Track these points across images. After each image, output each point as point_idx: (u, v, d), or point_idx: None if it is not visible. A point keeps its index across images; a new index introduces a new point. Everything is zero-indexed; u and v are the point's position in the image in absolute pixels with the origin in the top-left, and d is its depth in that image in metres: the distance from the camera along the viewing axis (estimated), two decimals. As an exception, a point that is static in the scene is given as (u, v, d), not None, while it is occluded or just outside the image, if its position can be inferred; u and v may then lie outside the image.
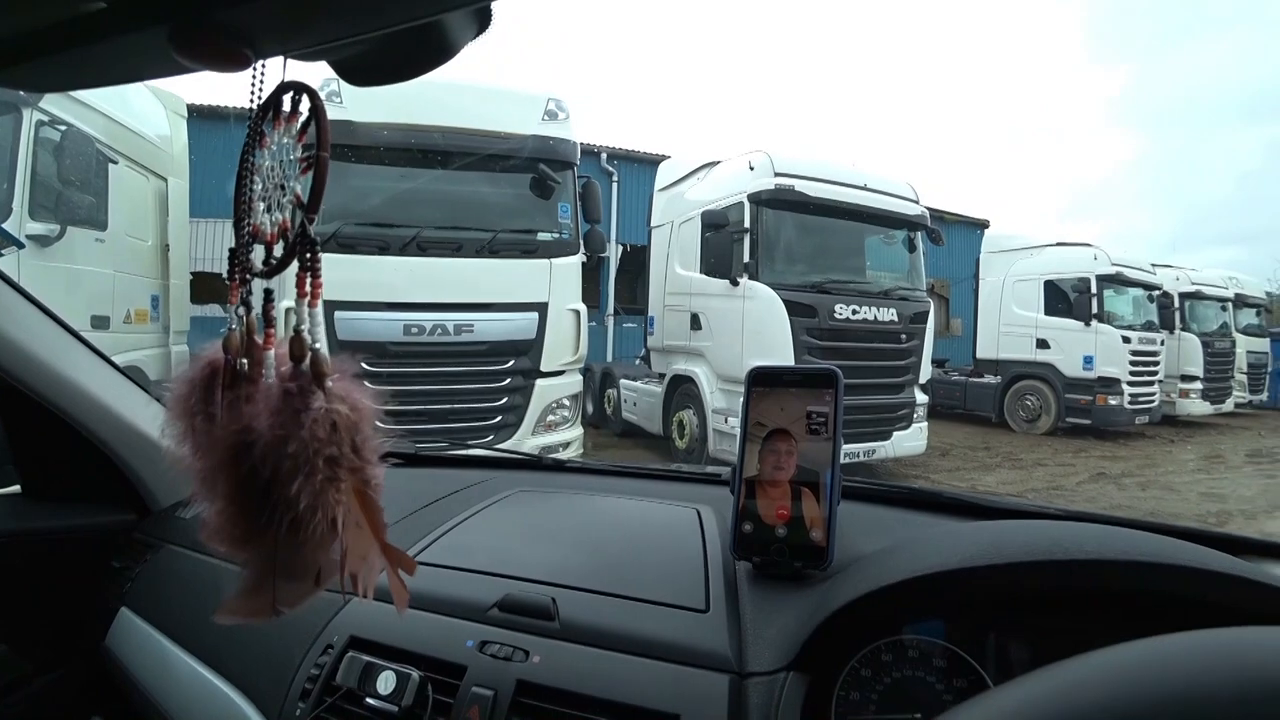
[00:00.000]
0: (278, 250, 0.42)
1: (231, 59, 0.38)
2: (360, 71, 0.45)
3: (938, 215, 18.12)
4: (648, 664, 0.78)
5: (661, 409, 7.57)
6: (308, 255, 0.41)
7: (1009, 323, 11.77)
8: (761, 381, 0.95)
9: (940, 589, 0.73)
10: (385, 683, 0.79)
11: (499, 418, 5.11)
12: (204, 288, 8.64)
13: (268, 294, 0.43)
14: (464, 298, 5.01)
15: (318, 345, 0.41)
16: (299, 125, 0.41)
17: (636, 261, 13.03)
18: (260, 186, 0.42)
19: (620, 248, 14.49)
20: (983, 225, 18.43)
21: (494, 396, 5.11)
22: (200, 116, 8.30)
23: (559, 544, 1.05)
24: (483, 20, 0.43)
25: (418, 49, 0.43)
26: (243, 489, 0.42)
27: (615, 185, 14.34)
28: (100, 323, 5.44)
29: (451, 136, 5.09)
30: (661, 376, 7.69)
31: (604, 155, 14.35)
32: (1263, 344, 16.39)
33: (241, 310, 0.43)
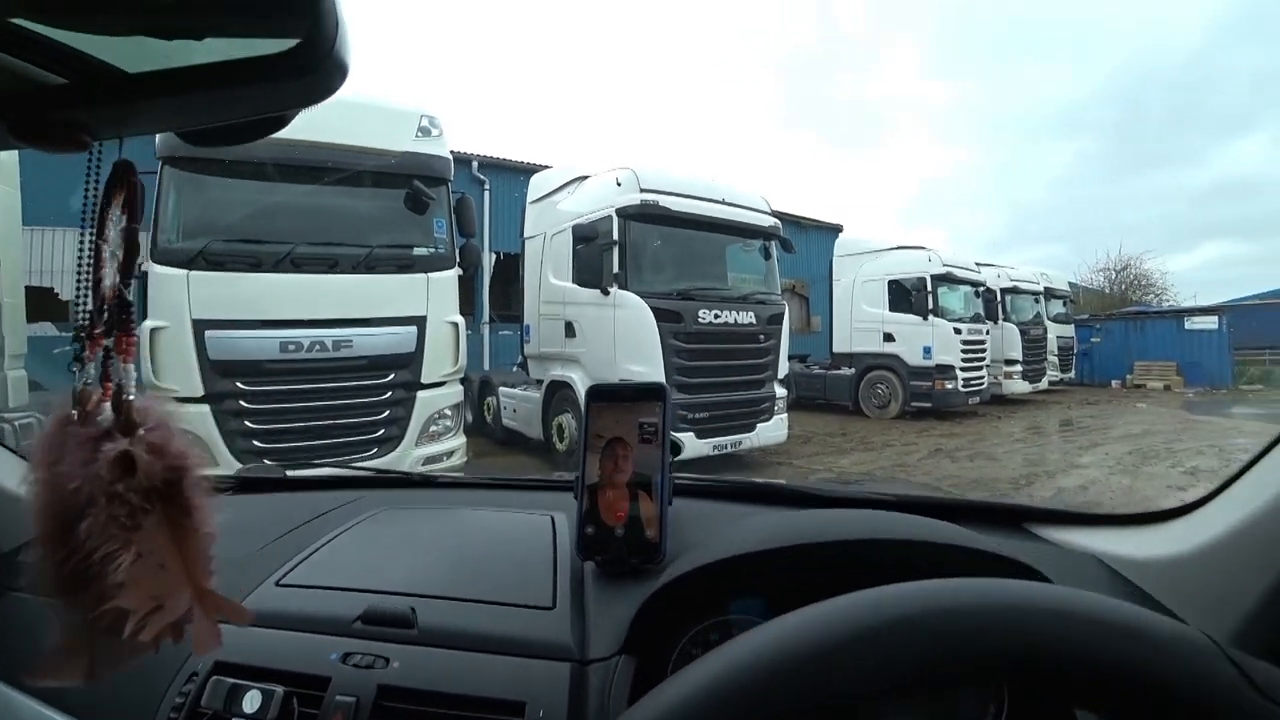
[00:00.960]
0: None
1: (71, 144, 0.42)
2: (197, 140, 0.51)
3: (795, 221, 19.45)
4: (499, 660, 0.84)
5: (540, 414, 7.78)
6: (121, 315, 0.44)
7: (859, 319, 12.93)
8: (598, 397, 1.05)
9: (739, 570, 0.81)
10: (251, 702, 0.81)
11: (382, 430, 5.19)
12: (36, 304, 7.96)
13: (107, 351, 0.45)
14: (342, 313, 5.04)
15: (128, 396, 0.44)
16: (123, 197, 0.45)
17: (510, 269, 13.16)
18: (103, 252, 0.45)
19: (494, 256, 14.53)
20: (837, 229, 19.88)
21: (376, 410, 5.17)
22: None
23: (420, 557, 1.10)
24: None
25: (248, 126, 0.47)
26: (53, 534, 0.42)
27: (487, 194, 14.39)
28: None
29: (324, 152, 5.05)
30: (539, 383, 7.91)
31: (475, 164, 14.37)
32: (1069, 330, 18.85)
33: (89, 368, 0.44)
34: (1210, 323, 19.54)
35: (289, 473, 1.77)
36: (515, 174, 13.99)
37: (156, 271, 4.73)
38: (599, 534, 0.98)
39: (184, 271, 4.71)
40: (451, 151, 5.81)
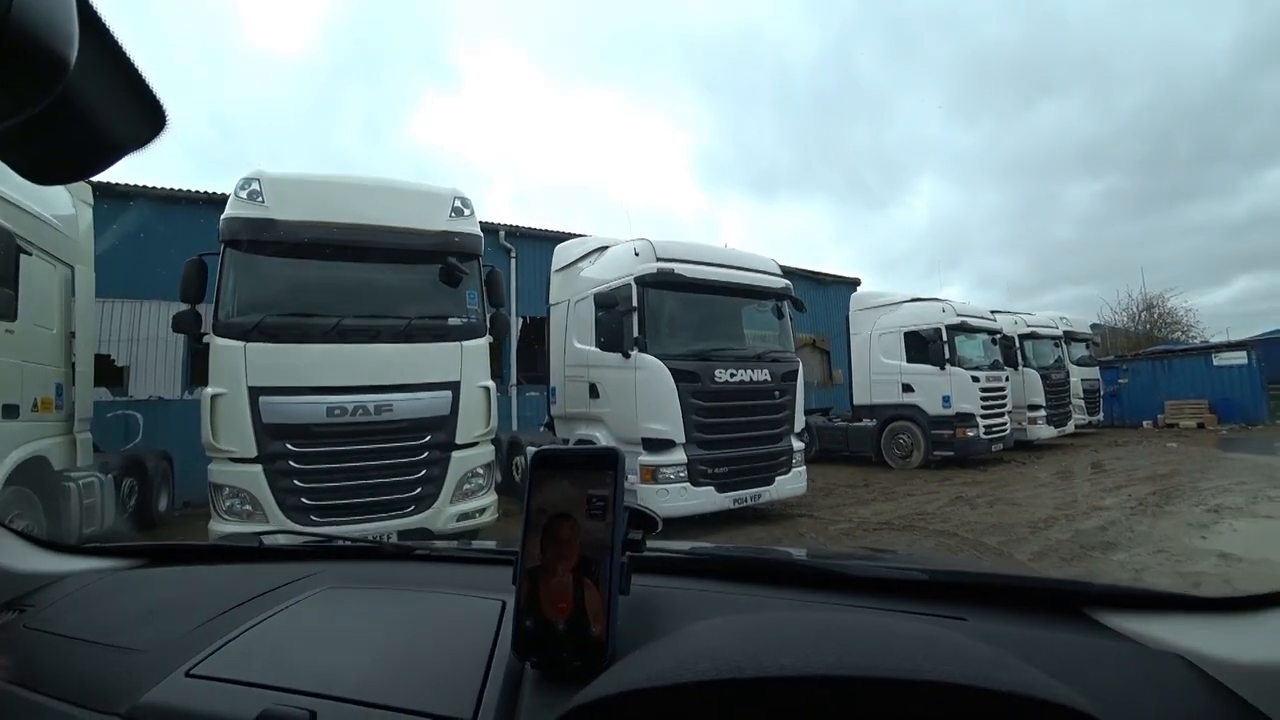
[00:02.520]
0: None
1: None
2: (32, 175, 0.53)
3: (814, 277, 19.92)
4: None
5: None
6: None
7: (878, 371, 13.18)
8: (543, 465, 0.91)
9: (657, 704, 0.65)
10: None
11: (420, 489, 5.57)
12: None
13: None
14: (383, 380, 5.49)
15: None
16: None
17: (534, 332, 13.69)
18: None
19: (520, 320, 15.11)
20: (855, 283, 20.30)
21: (414, 469, 5.57)
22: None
23: (343, 649, 1.00)
24: (155, 124, 0.48)
25: (76, 158, 0.49)
26: None
27: (513, 261, 15.03)
28: (10, 412, 5.48)
29: (368, 233, 5.61)
30: (565, 442, 8.25)
31: (502, 233, 15.05)
32: (1093, 372, 18.82)
33: None
34: (1239, 358, 19.33)
35: (265, 540, 1.68)
36: (540, 241, 14.72)
37: (218, 344, 5.26)
38: (538, 629, 0.84)
39: (241, 343, 5.22)
40: (480, 223, 6.32)
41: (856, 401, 13.74)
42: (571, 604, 0.84)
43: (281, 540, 1.73)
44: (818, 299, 18.04)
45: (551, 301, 9.12)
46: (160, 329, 11.31)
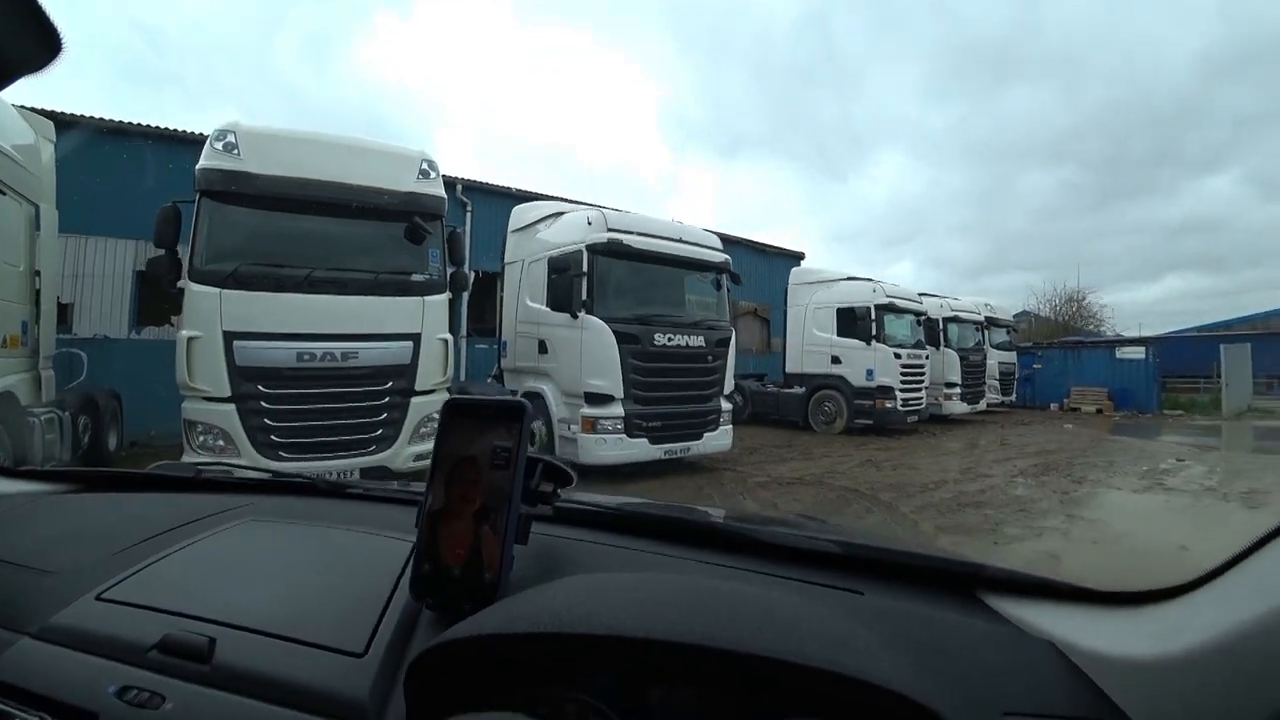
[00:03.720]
0: None
1: None
2: None
3: (760, 249, 20.68)
4: (284, 713, 0.76)
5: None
6: None
7: (811, 342, 14.16)
8: (455, 414, 0.94)
9: (514, 648, 0.71)
10: None
11: (380, 430, 6.12)
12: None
13: None
14: (350, 329, 5.95)
15: None
16: None
17: (487, 286, 14.11)
18: None
19: (473, 274, 15.41)
20: (799, 256, 21.19)
21: (376, 412, 6.10)
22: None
23: (253, 581, 1.01)
24: (51, 49, 0.49)
25: None
26: None
27: (469, 215, 15.30)
28: (-20, 348, 5.64)
29: (340, 190, 5.98)
30: (514, 393, 8.82)
31: (459, 186, 15.28)
32: (1011, 357, 20.30)
33: None
34: (1138, 353, 21.23)
35: (203, 471, 1.66)
36: (496, 197, 15.05)
37: (193, 289, 5.62)
38: (435, 572, 0.88)
39: (217, 290, 5.59)
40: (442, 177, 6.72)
41: (789, 370, 14.71)
42: (469, 550, 0.87)
43: (217, 472, 1.71)
44: (762, 270, 18.86)
45: (507, 260, 9.63)
46: (106, 266, 11.25)
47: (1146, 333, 27.94)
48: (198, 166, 5.77)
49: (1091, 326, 34.69)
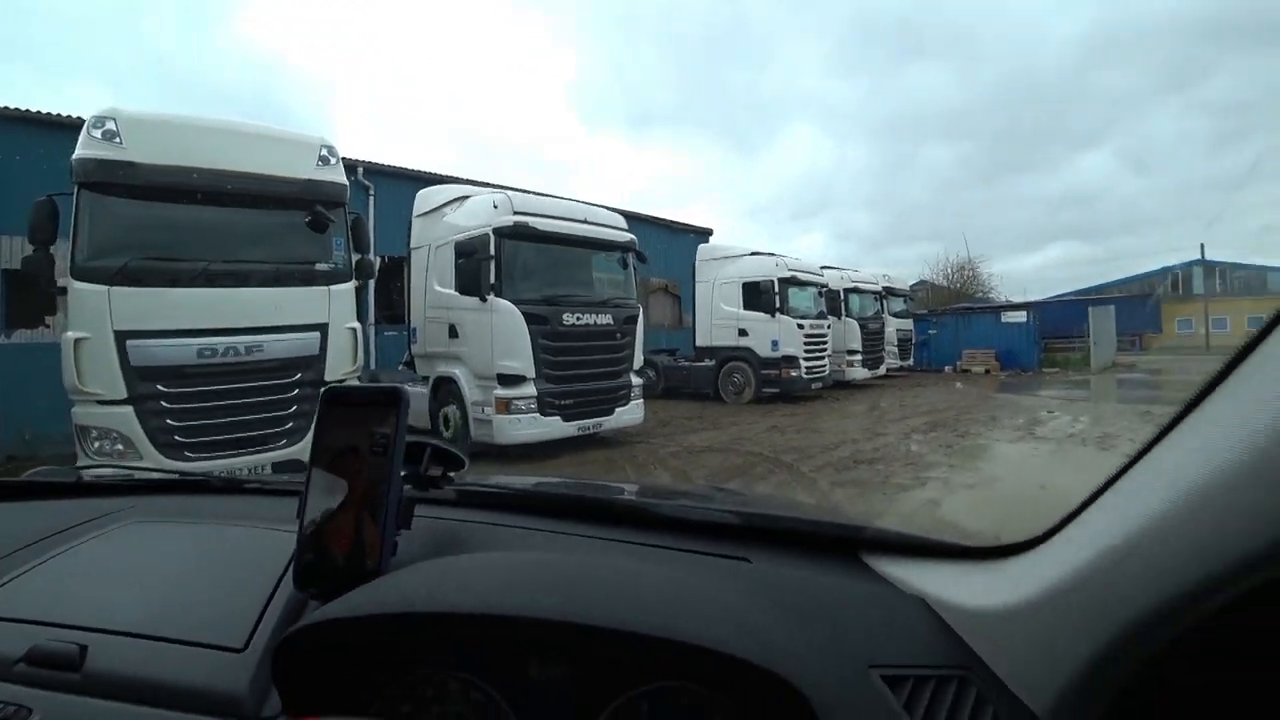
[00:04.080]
0: None
1: None
2: None
3: (669, 226, 21.05)
4: (160, 714, 0.75)
5: (427, 407, 8.81)
6: None
7: (719, 316, 14.64)
8: (333, 403, 0.93)
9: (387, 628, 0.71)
10: None
11: (291, 424, 6.05)
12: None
13: None
14: (253, 322, 5.81)
15: None
16: None
17: (393, 272, 13.89)
18: None
19: (379, 259, 15.09)
20: (708, 233, 21.71)
21: (285, 405, 6.02)
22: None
23: (130, 583, 0.99)
24: None
25: None
26: None
27: (372, 198, 14.93)
28: None
29: (236, 179, 5.77)
30: (426, 379, 8.94)
31: (360, 170, 14.87)
32: (908, 324, 21.60)
33: None
34: (1021, 317, 23.04)
35: (84, 475, 1.60)
36: (399, 180, 14.73)
37: (77, 288, 5.34)
38: (319, 562, 0.87)
39: (105, 288, 5.33)
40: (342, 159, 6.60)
41: (699, 344, 15.19)
42: (352, 538, 0.87)
43: (102, 475, 1.64)
44: (673, 247, 19.23)
45: (413, 245, 9.54)
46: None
47: (1031, 298, 30.24)
48: (74, 156, 5.44)
49: (982, 294, 36.99)
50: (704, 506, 1.25)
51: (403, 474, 0.92)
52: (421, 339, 9.06)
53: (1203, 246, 28.98)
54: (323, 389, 1.03)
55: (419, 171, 15.34)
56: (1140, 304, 30.93)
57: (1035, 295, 32.34)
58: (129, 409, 5.41)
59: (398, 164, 15.66)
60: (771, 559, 0.95)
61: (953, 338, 23.85)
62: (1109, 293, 34.20)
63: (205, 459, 5.54)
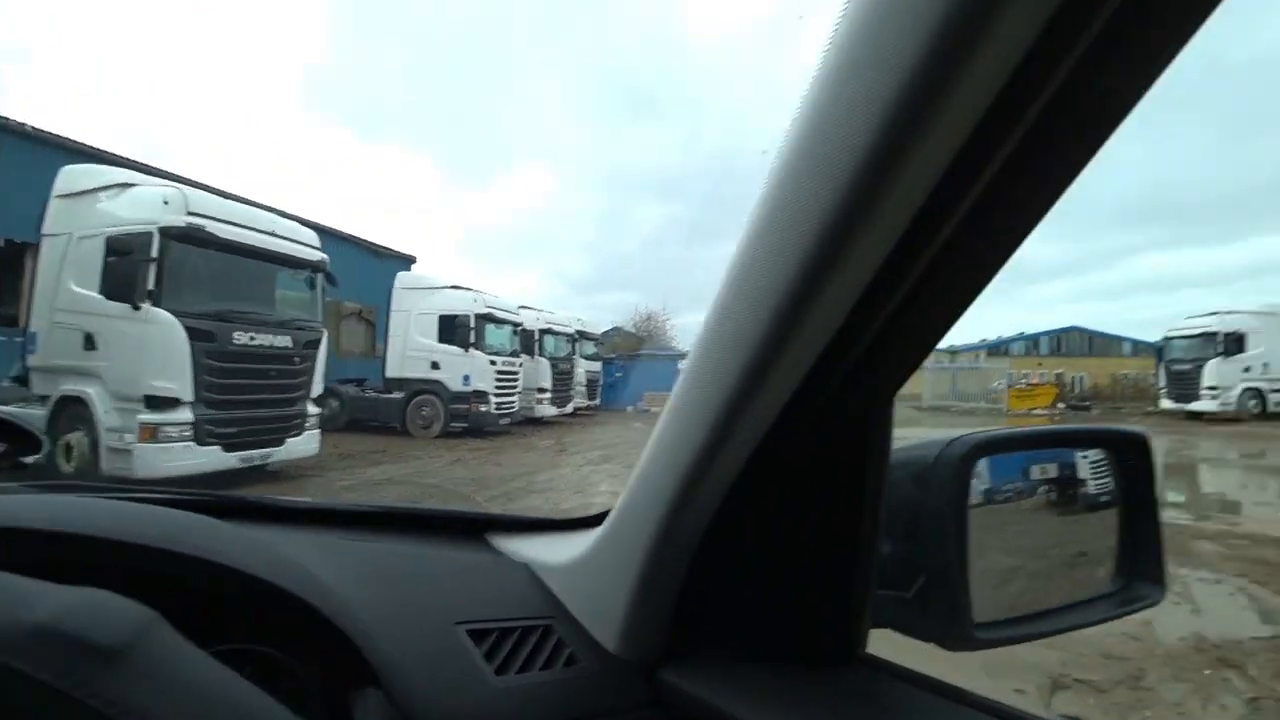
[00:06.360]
0: None
1: None
2: None
3: (371, 249, 20.29)
4: None
5: (45, 432, 7.34)
6: None
7: (412, 348, 14.56)
8: None
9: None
10: None
11: None
12: None
13: None
14: None
15: None
16: None
17: (14, 259, 11.43)
18: None
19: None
20: (411, 259, 21.34)
21: None
22: None
23: None
24: None
25: None
26: None
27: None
28: None
29: None
30: (43, 399, 7.51)
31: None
32: (597, 366, 23.49)
33: None
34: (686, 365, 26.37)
35: None
36: (35, 144, 12.09)
37: None
38: None
39: None
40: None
41: (389, 374, 14.85)
42: None
43: None
44: (374, 271, 18.48)
45: (46, 231, 7.94)
46: None
47: (701, 350, 35.04)
48: None
49: (665, 343, 41.59)
50: (372, 506, 1.23)
51: None
52: (44, 348, 7.56)
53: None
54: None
55: (65, 139, 12.73)
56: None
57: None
58: None
59: (38, 125, 12.71)
60: (423, 543, 1.06)
61: (637, 381, 26.42)
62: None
63: None
